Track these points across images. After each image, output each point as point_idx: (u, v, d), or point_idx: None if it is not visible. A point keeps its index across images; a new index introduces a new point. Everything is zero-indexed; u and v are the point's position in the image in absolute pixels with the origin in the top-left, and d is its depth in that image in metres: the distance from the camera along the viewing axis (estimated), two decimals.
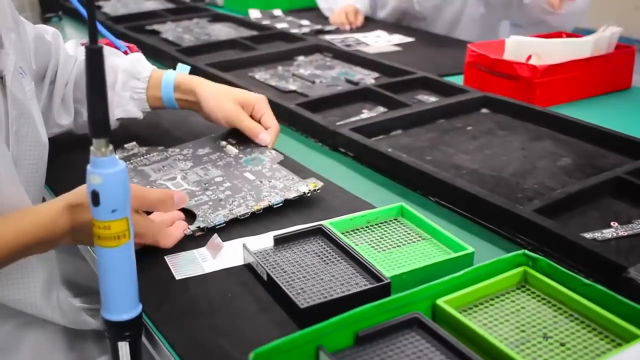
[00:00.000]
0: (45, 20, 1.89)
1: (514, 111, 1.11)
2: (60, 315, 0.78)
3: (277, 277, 0.65)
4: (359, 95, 1.22)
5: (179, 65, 1.03)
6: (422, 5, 1.87)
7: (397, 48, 1.62)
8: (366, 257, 0.67)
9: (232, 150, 0.95)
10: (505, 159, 0.95)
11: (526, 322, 0.59)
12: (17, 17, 0.83)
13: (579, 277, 0.60)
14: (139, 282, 0.58)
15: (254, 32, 1.74)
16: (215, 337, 0.60)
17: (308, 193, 0.82)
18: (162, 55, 1.50)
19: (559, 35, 1.37)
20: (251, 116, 0.97)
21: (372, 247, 0.73)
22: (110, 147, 0.53)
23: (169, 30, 1.78)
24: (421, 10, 1.88)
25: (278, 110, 1.10)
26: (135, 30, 1.74)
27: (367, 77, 1.32)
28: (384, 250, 0.72)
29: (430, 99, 1.20)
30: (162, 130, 1.08)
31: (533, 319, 0.59)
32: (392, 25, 1.89)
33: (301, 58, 1.48)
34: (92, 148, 0.53)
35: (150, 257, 0.72)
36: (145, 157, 0.95)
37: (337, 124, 1.04)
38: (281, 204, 0.81)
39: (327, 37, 1.70)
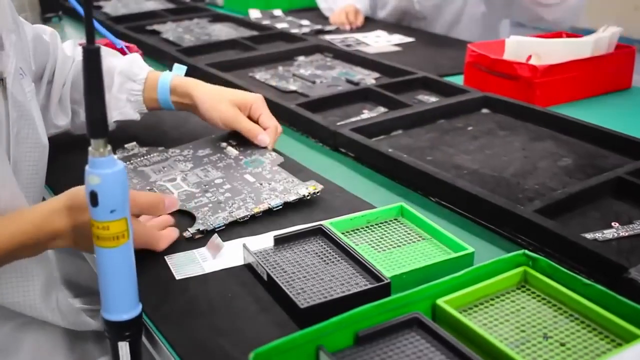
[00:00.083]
0: (45, 20, 1.89)
1: (514, 111, 1.11)
2: (59, 317, 0.78)
3: (277, 277, 0.65)
4: (360, 96, 1.22)
5: (176, 65, 1.03)
6: (422, 4, 1.87)
7: (397, 48, 1.62)
8: (366, 257, 0.67)
9: (232, 151, 0.95)
10: (505, 159, 0.95)
11: (526, 322, 0.59)
12: (17, 17, 0.83)
13: (579, 277, 0.60)
14: (139, 282, 0.58)
15: (255, 32, 1.74)
16: (215, 337, 0.60)
17: (308, 196, 0.82)
18: (162, 56, 1.50)
19: (559, 35, 1.37)
20: (249, 116, 0.96)
21: (372, 247, 0.72)
22: (109, 147, 0.53)
23: (170, 30, 1.78)
24: (421, 9, 1.88)
25: (278, 111, 1.10)
26: (135, 30, 1.74)
27: (368, 78, 1.32)
28: (384, 250, 0.72)
29: (430, 99, 1.20)
30: (162, 130, 1.08)
31: (533, 319, 0.59)
32: (392, 25, 1.89)
33: (302, 58, 1.48)
34: (90, 148, 0.53)
35: (150, 257, 0.72)
36: (145, 157, 0.95)
37: (338, 124, 1.04)
38: (281, 207, 0.81)
39: (327, 37, 1.70)
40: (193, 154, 0.95)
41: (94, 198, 0.53)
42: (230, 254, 0.72)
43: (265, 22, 1.87)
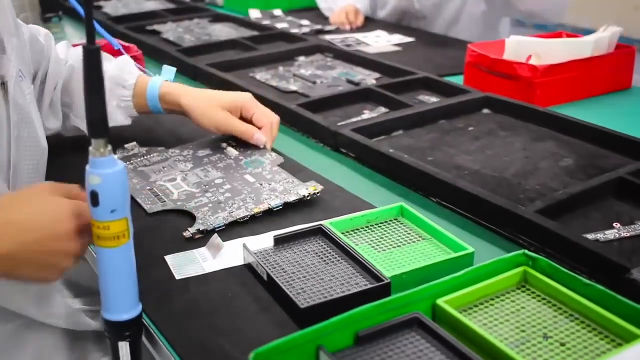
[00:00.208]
0: (46, 21, 1.89)
1: (515, 112, 1.11)
2: (60, 319, 0.78)
3: (277, 277, 0.65)
4: (360, 96, 1.22)
5: (164, 68, 1.03)
6: (422, 3, 1.87)
7: (397, 48, 1.62)
8: (366, 257, 0.67)
9: (232, 152, 0.95)
10: (507, 160, 0.95)
11: (526, 322, 0.59)
12: (16, 19, 0.83)
13: (579, 277, 0.60)
14: (139, 282, 0.58)
15: (255, 33, 1.74)
16: (215, 337, 0.60)
17: (308, 196, 0.82)
18: (162, 56, 1.50)
19: (559, 35, 1.37)
20: (242, 117, 0.96)
21: (373, 247, 0.73)
22: (109, 147, 0.53)
23: (170, 30, 1.78)
24: (421, 8, 1.88)
25: (279, 111, 1.10)
26: (136, 30, 1.74)
27: (369, 78, 1.32)
28: (384, 250, 0.72)
29: (431, 100, 1.20)
30: (162, 131, 1.08)
31: (533, 319, 0.59)
32: (392, 26, 1.89)
33: (302, 58, 1.48)
34: (91, 149, 0.53)
35: (150, 257, 0.72)
36: (145, 157, 0.95)
37: (339, 124, 1.04)
38: (281, 207, 0.81)
39: (328, 37, 1.70)
40: (193, 155, 0.95)
41: (94, 198, 0.53)
42: (230, 254, 0.72)
43: (266, 22, 1.87)
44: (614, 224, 0.77)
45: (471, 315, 0.60)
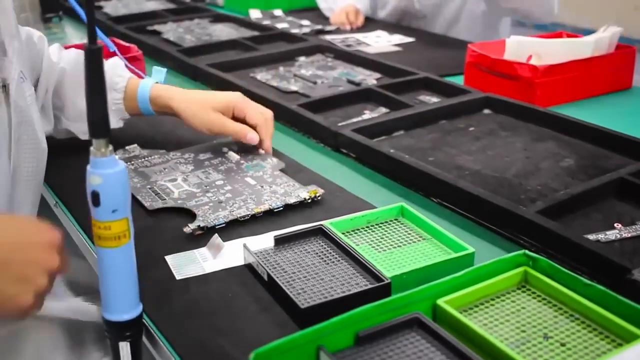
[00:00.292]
0: (46, 21, 1.89)
1: (516, 112, 1.11)
2: (61, 310, 0.78)
3: (277, 277, 0.65)
4: (361, 96, 1.22)
5: (154, 69, 1.02)
6: (422, 3, 1.87)
7: (397, 48, 1.62)
8: (367, 257, 0.67)
9: (233, 156, 0.95)
10: (508, 160, 0.95)
11: (526, 322, 0.59)
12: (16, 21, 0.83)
13: (579, 277, 0.60)
14: (139, 282, 0.58)
15: (255, 33, 1.74)
16: (215, 337, 0.60)
17: (308, 199, 0.83)
18: (163, 56, 1.50)
19: (559, 35, 1.37)
20: (235, 117, 0.96)
21: (373, 247, 0.73)
22: (110, 147, 0.54)
23: (170, 30, 1.78)
24: (421, 8, 1.88)
25: (279, 111, 1.10)
26: (136, 30, 1.74)
27: (369, 78, 1.32)
28: (385, 250, 0.72)
29: (432, 100, 1.20)
30: (163, 133, 1.08)
31: (533, 319, 0.59)
32: (393, 26, 1.89)
33: (302, 58, 1.48)
34: (91, 148, 0.53)
35: (150, 257, 0.72)
36: (146, 159, 0.95)
37: (339, 124, 1.04)
38: (281, 209, 0.81)
39: (328, 37, 1.70)
40: (194, 158, 0.95)
41: (95, 198, 0.53)
42: (230, 254, 0.72)
43: (266, 22, 1.87)
44: (615, 225, 0.77)
45: (471, 315, 0.60)
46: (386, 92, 1.20)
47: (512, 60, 1.19)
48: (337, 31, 1.81)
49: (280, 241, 0.72)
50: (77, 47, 1.28)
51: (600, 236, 0.74)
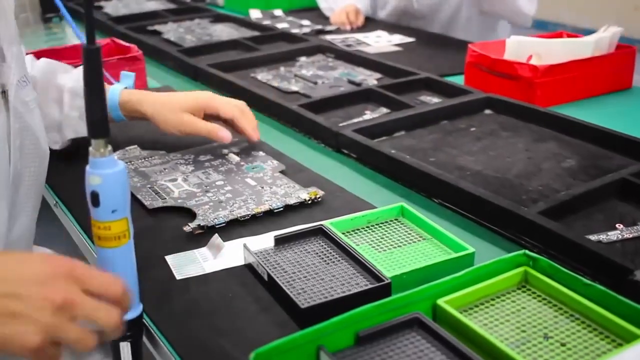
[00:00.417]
0: (46, 21, 1.90)
1: (517, 112, 1.11)
2: None
3: (277, 277, 0.65)
4: (362, 96, 1.22)
5: (122, 74, 1.00)
6: (420, 3, 1.87)
7: (397, 48, 1.62)
8: (367, 257, 0.67)
9: (234, 157, 0.95)
10: (509, 161, 0.95)
11: (527, 322, 0.59)
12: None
13: (579, 277, 0.60)
14: (139, 282, 0.58)
15: (256, 33, 1.74)
16: (215, 337, 0.60)
17: (308, 200, 0.83)
18: (163, 56, 1.50)
19: (559, 35, 1.37)
20: (209, 116, 0.96)
21: (373, 247, 0.73)
22: (109, 147, 0.53)
23: (171, 30, 1.78)
24: (419, 8, 1.88)
25: (280, 111, 1.11)
26: (136, 30, 1.74)
27: (370, 78, 1.32)
28: (385, 250, 0.72)
29: (433, 100, 1.20)
30: (163, 134, 1.07)
31: (534, 319, 0.59)
32: (393, 26, 1.89)
33: (303, 59, 1.49)
34: (91, 149, 0.53)
35: (150, 257, 0.72)
36: (146, 159, 0.95)
37: (340, 125, 1.04)
38: (281, 209, 0.81)
39: (328, 37, 1.70)
40: (194, 159, 0.95)
41: (95, 198, 0.53)
42: (230, 254, 0.72)
43: (266, 22, 1.87)
44: (617, 225, 0.77)
45: (471, 315, 0.60)
46: (387, 92, 1.20)
47: (513, 60, 1.19)
48: (338, 31, 1.81)
49: (280, 241, 0.72)
50: (77, 47, 1.29)
51: (602, 237, 0.74)
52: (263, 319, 0.63)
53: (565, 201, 0.79)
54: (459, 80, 1.29)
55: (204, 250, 0.73)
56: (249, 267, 0.70)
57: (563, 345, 0.56)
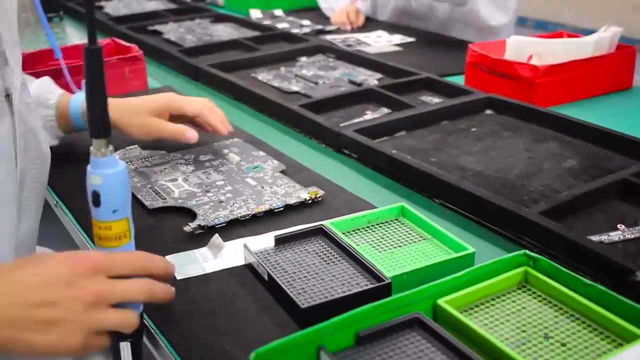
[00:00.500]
0: (47, 21, 1.89)
1: (518, 112, 1.11)
2: None
3: (278, 277, 0.65)
4: (363, 97, 1.22)
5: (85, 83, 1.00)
6: (418, 2, 1.87)
7: (397, 48, 1.62)
8: (367, 257, 0.67)
9: (234, 157, 0.95)
10: (510, 161, 0.95)
11: (527, 322, 0.59)
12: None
13: (580, 277, 0.60)
14: None
15: (256, 33, 1.74)
16: (216, 337, 0.60)
17: (309, 200, 0.83)
18: (164, 56, 1.50)
19: (559, 35, 1.37)
20: (175, 117, 0.95)
21: (373, 247, 0.73)
22: (111, 147, 0.54)
23: (171, 30, 1.78)
24: (417, 7, 1.88)
25: (281, 112, 1.11)
26: (137, 30, 1.74)
27: (370, 78, 1.32)
28: (385, 250, 0.72)
29: (433, 100, 1.20)
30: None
31: (534, 319, 0.59)
32: (393, 26, 1.89)
33: (304, 59, 1.49)
34: (92, 148, 0.53)
35: None
36: (146, 159, 0.95)
37: (341, 125, 1.04)
38: (282, 209, 0.81)
39: (328, 37, 1.70)
40: (194, 159, 0.95)
41: (96, 198, 0.53)
42: (231, 254, 0.72)
43: (266, 22, 1.87)
44: (618, 226, 0.77)
45: (472, 315, 0.60)
46: (388, 92, 1.20)
47: (513, 60, 1.19)
48: (338, 31, 1.81)
49: (280, 241, 0.72)
50: (77, 47, 1.29)
51: (603, 237, 0.74)
52: (263, 319, 0.63)
53: (566, 201, 0.79)
54: (459, 80, 1.29)
55: (204, 250, 0.73)
56: (249, 267, 0.70)
57: (563, 345, 0.56)
